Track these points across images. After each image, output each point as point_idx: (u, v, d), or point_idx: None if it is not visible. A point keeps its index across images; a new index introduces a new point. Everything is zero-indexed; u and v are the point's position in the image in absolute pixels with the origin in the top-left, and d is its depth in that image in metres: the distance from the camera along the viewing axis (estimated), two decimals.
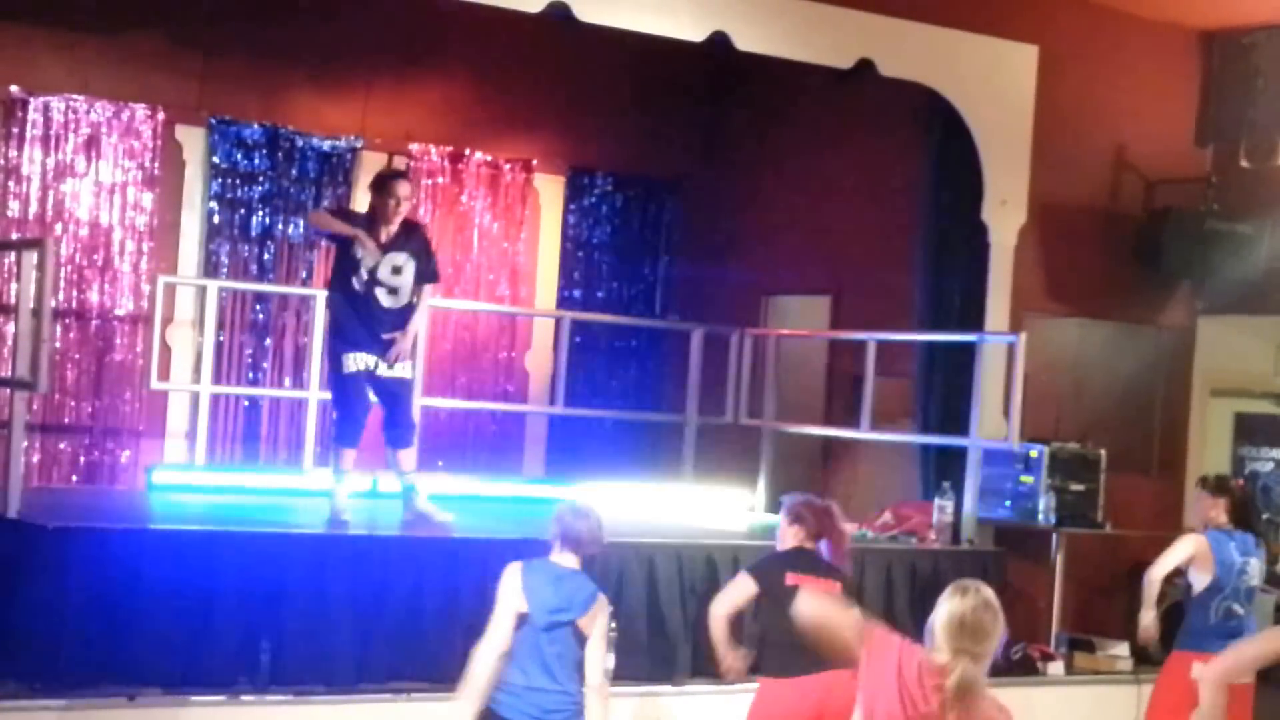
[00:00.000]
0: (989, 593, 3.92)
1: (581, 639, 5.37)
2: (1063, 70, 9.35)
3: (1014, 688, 7.97)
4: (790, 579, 5.94)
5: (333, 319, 7.47)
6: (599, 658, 5.40)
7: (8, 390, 6.81)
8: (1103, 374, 10.22)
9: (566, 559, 5.48)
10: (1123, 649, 8.64)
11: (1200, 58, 10.24)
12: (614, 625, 7.00)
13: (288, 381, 9.93)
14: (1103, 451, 9.29)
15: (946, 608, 3.88)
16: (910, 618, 7.89)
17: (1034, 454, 8.98)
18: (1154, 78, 10.04)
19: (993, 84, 9.11)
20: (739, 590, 6.18)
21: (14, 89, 9.20)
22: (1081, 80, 9.55)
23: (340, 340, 7.35)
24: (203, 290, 9.45)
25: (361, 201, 10.09)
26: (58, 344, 9.15)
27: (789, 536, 6.19)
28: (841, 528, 6.22)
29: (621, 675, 7.02)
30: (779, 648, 5.90)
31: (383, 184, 7.34)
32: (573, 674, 5.33)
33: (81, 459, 9.38)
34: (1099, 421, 9.82)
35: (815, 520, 6.17)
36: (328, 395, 8.08)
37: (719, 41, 8.29)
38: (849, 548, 6.33)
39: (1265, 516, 10.38)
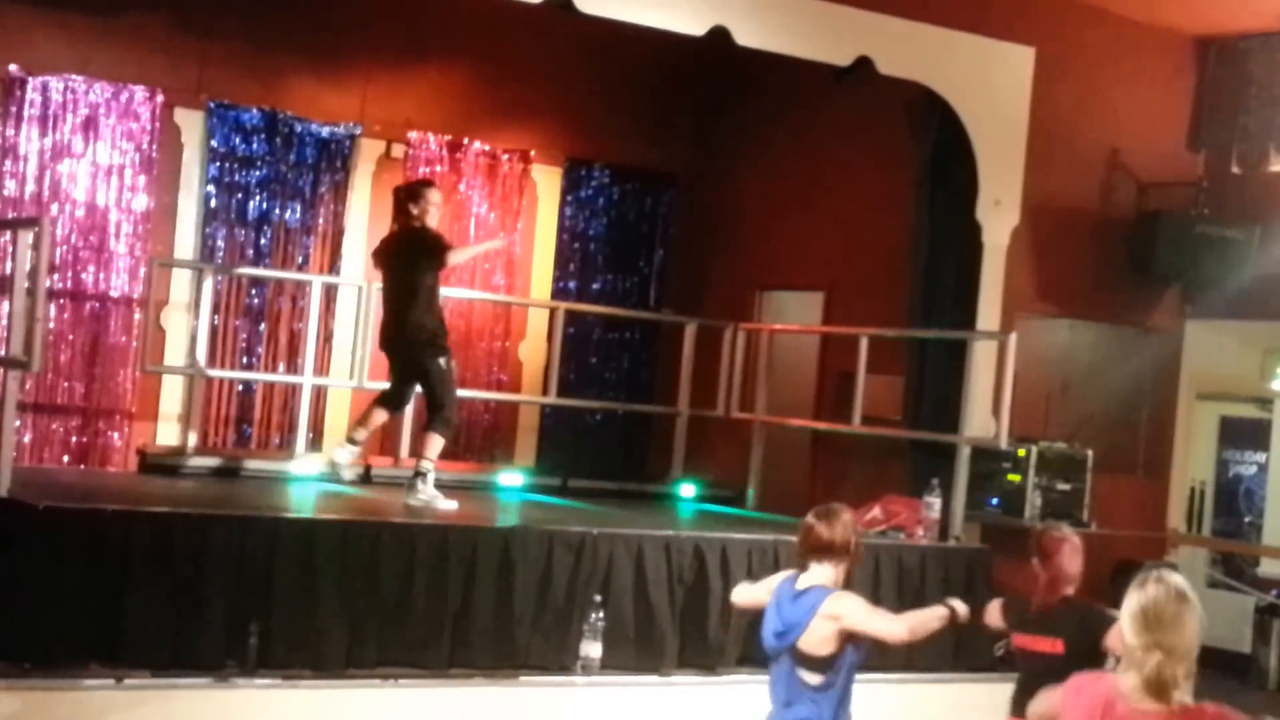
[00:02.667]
0: (1177, 580, 3.63)
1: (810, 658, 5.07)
2: (1059, 73, 9.39)
3: (996, 684, 8.03)
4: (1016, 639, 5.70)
5: (438, 323, 7.91)
6: (873, 622, 5.08)
7: (1, 369, 6.82)
8: (1091, 375, 10.27)
9: (811, 573, 5.20)
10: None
11: (1195, 63, 10.28)
12: (601, 616, 7.08)
13: (282, 366, 9.95)
14: (1089, 452, 9.35)
15: (1128, 601, 3.61)
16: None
17: (1022, 453, 9.05)
18: (1149, 82, 10.08)
19: (989, 85, 9.15)
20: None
21: (13, 68, 9.20)
22: (1077, 83, 9.59)
23: (444, 340, 7.89)
24: (198, 274, 9.47)
25: (362, 190, 10.23)
26: (52, 324, 9.16)
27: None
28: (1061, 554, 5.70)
29: (609, 666, 7.10)
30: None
31: (429, 192, 7.92)
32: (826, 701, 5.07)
33: (74, 439, 9.39)
34: (1087, 422, 9.88)
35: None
36: (330, 383, 8.19)
37: (718, 36, 8.31)
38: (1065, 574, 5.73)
39: (1247, 519, 10.47)
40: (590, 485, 9.67)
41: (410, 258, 7.83)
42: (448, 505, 7.66)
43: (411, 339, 7.84)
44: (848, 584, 5.23)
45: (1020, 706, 5.53)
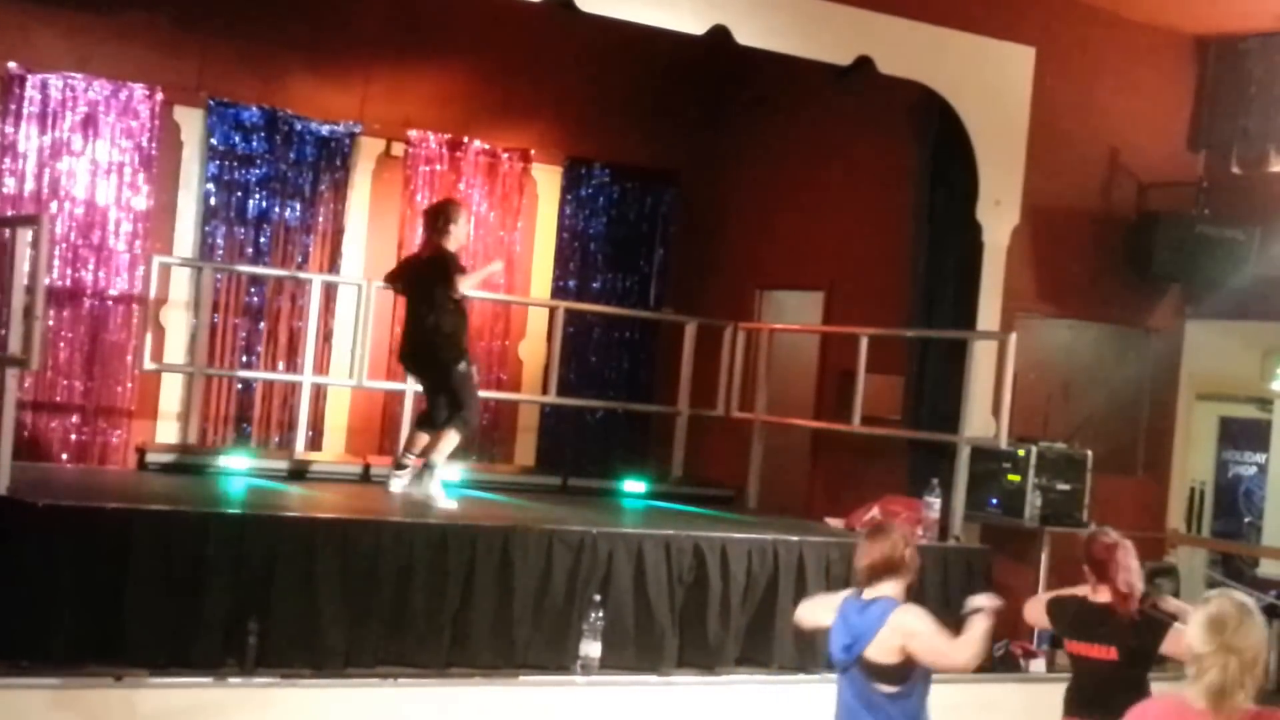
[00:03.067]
0: (1241, 595, 3.84)
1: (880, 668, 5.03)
2: (1059, 72, 9.38)
3: (996, 684, 8.04)
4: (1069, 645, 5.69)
5: (457, 330, 8.06)
6: (938, 647, 5.04)
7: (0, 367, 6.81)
8: (1091, 375, 10.26)
9: (878, 588, 5.16)
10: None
11: (1195, 63, 10.28)
12: (600, 615, 7.08)
13: (281, 365, 9.94)
14: (1089, 452, 9.35)
15: (1196, 615, 3.81)
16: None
17: (1022, 453, 9.04)
18: (1149, 82, 10.08)
19: (990, 84, 9.14)
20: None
21: (12, 65, 9.18)
22: (1077, 83, 9.59)
23: (464, 345, 8.10)
24: (198, 272, 9.47)
25: (362, 188, 10.24)
26: (51, 322, 9.14)
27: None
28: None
29: (608, 665, 7.09)
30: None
31: (452, 211, 8.13)
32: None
33: (73, 437, 9.38)
34: (1087, 422, 9.87)
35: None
36: (329, 382, 8.39)
37: (719, 35, 8.31)
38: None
39: (1247, 520, 10.47)
40: (591, 485, 9.67)
41: (430, 278, 7.99)
42: (448, 504, 7.66)
43: (431, 349, 8.01)
44: (909, 595, 5.21)
45: (1073, 708, 5.61)
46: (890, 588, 5.14)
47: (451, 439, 7.88)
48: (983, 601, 5.17)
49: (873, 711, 5.03)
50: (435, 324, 7.94)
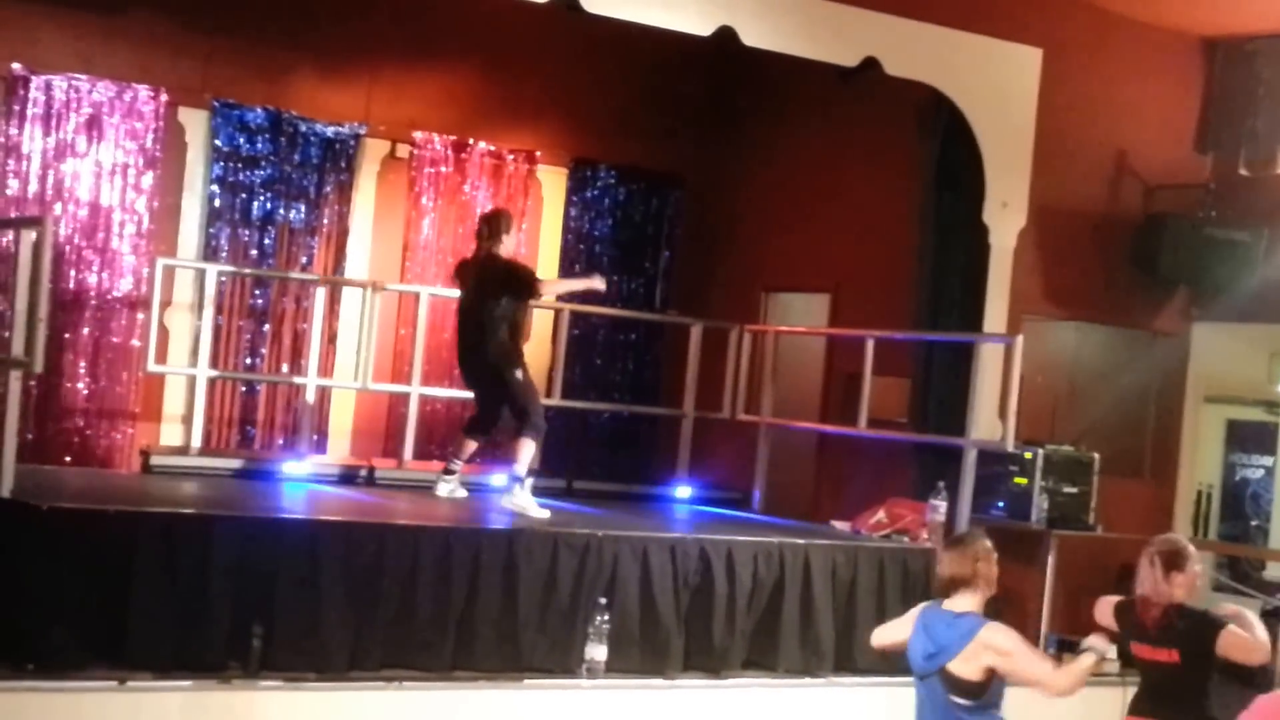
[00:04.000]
0: None
1: (961, 682, 5.10)
2: (1066, 74, 9.36)
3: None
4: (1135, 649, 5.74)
5: (511, 339, 8.15)
6: (1034, 670, 5.14)
7: (3, 369, 6.79)
8: (1098, 378, 10.24)
9: (957, 600, 5.24)
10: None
11: (1203, 64, 10.25)
12: (606, 618, 7.05)
13: (285, 367, 9.92)
14: (1096, 455, 9.32)
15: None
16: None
17: (1029, 456, 9.02)
18: (1156, 83, 10.05)
19: (996, 86, 9.12)
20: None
21: (16, 66, 9.17)
22: (1084, 84, 9.56)
23: (518, 353, 8.16)
24: (202, 274, 9.45)
25: (367, 190, 10.18)
26: (55, 324, 9.12)
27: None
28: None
29: (614, 668, 7.07)
30: None
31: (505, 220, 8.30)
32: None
33: (77, 440, 9.36)
34: (1093, 425, 9.84)
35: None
36: (334, 384, 8.85)
37: (725, 36, 8.29)
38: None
39: (1254, 523, 10.43)
40: (595, 488, 9.64)
41: (495, 286, 8.07)
42: (540, 513, 7.73)
43: (487, 359, 8.09)
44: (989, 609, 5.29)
45: (1139, 709, 5.74)
46: (968, 601, 5.21)
47: (528, 447, 7.99)
48: (1097, 644, 5.33)
49: None
50: (493, 331, 8.03)
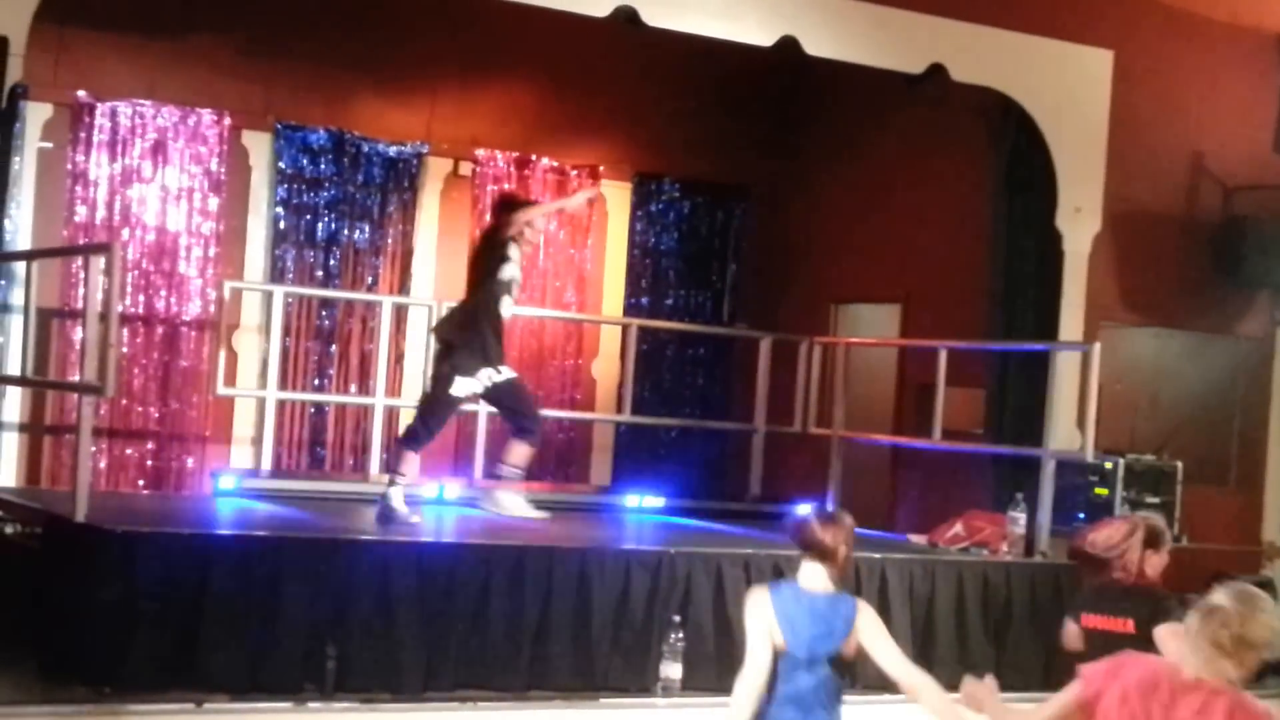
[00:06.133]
0: (1247, 586, 4.01)
1: (845, 662, 5.06)
2: (1138, 75, 9.22)
3: None
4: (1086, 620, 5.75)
5: (484, 338, 7.58)
6: (894, 657, 5.06)
7: (75, 395, 6.80)
8: (1179, 385, 10.07)
9: (816, 577, 5.07)
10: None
11: (1278, 62, 10.05)
12: (680, 636, 6.95)
13: (353, 388, 9.91)
14: (1179, 464, 9.16)
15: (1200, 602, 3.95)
16: (981, 630, 7.77)
17: (1109, 466, 8.87)
18: (1232, 83, 9.88)
19: (1067, 89, 9.00)
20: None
21: (81, 94, 9.25)
22: (1158, 86, 9.42)
23: (482, 358, 7.53)
24: (269, 296, 9.46)
25: (430, 208, 10.20)
26: (124, 349, 9.18)
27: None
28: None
29: (689, 686, 6.96)
30: None
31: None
32: (836, 703, 5.05)
33: (148, 464, 9.41)
34: (1176, 433, 9.66)
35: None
36: (402, 404, 8.64)
37: (788, 46, 8.20)
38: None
39: None
40: (667, 504, 9.54)
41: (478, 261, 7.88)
42: (539, 513, 7.78)
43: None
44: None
45: None
46: (824, 578, 5.05)
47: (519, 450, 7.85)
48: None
49: (824, 707, 5.04)
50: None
